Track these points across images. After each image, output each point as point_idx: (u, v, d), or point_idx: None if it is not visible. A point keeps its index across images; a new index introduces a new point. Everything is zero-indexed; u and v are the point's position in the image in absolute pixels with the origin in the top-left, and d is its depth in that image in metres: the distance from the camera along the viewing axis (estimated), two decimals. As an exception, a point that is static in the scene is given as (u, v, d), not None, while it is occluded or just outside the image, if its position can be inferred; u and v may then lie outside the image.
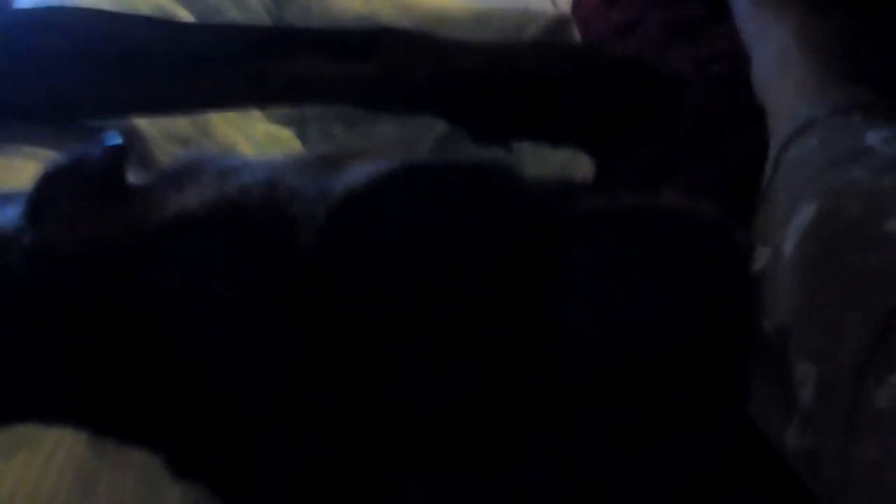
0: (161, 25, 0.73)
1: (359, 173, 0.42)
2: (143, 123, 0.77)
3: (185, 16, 0.93)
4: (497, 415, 0.40)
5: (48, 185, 0.45)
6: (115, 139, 0.47)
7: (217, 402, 0.42)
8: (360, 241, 0.41)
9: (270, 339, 0.42)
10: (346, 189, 0.41)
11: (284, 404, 0.42)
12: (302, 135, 1.02)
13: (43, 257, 0.43)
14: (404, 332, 0.41)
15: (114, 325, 0.43)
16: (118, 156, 0.46)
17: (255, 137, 0.93)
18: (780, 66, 0.62)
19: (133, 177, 0.66)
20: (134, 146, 0.73)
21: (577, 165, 0.90)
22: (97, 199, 0.45)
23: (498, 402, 0.40)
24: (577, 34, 1.02)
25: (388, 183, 0.41)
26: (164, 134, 0.79)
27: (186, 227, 0.43)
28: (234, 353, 0.42)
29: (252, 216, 0.42)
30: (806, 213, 0.49)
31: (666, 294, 0.40)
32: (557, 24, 0.99)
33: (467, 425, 0.41)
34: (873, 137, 0.51)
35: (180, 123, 0.81)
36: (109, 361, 0.43)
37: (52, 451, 0.46)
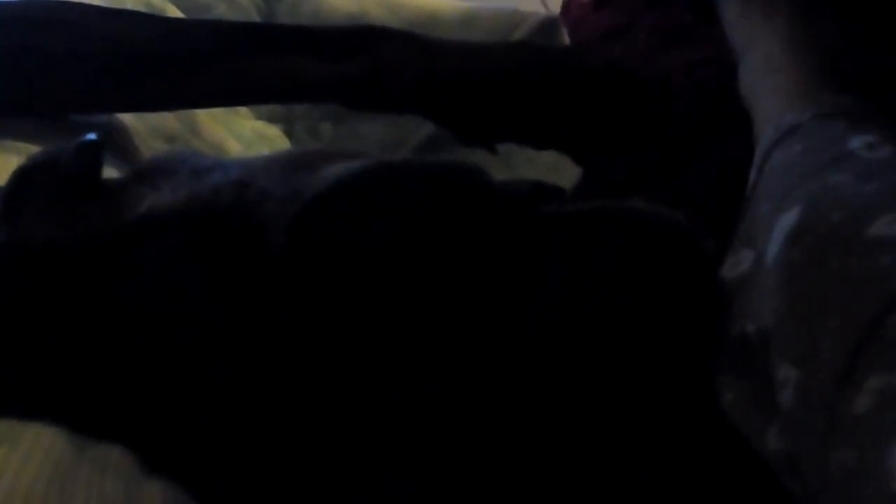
0: (149, 21, 0.73)
1: (326, 175, 0.42)
2: (129, 120, 0.77)
3: (174, 12, 0.93)
4: (470, 413, 0.41)
5: (22, 181, 0.45)
6: (90, 136, 0.47)
7: (186, 399, 0.42)
8: (327, 242, 0.41)
9: (238, 337, 0.42)
10: (313, 191, 0.41)
11: (253, 402, 0.42)
12: (290, 132, 1.02)
13: (16, 253, 0.43)
14: (373, 331, 0.41)
15: (86, 321, 0.43)
16: (92, 153, 0.46)
17: (242, 134, 0.93)
18: (765, 72, 0.62)
19: (117, 172, 0.66)
20: (117, 142, 0.73)
21: (566, 167, 0.90)
22: (71, 196, 0.45)
23: (470, 400, 0.41)
24: (565, 37, 1.02)
25: (354, 185, 0.41)
26: (150, 130, 0.78)
27: (157, 226, 0.43)
28: (201, 352, 0.42)
29: (223, 216, 0.42)
30: (789, 218, 0.49)
31: (630, 294, 0.41)
32: (546, 27, 0.99)
33: (439, 424, 0.41)
34: (856, 142, 0.51)
35: (167, 120, 0.80)
36: (82, 357, 0.43)
37: (30, 448, 0.46)
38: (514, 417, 0.41)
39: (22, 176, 0.45)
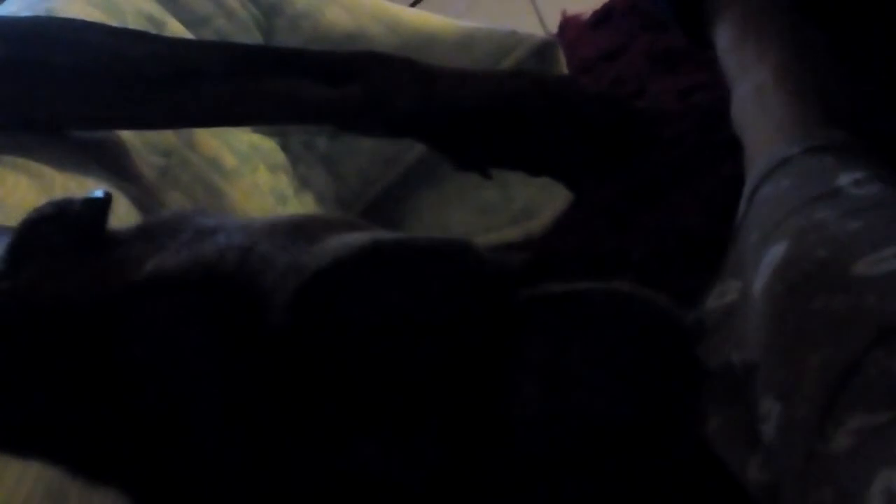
0: (151, 41, 0.73)
1: (325, 250, 0.43)
2: (126, 134, 0.77)
3: (173, 24, 0.93)
4: (450, 491, 0.41)
5: (29, 232, 0.46)
6: (98, 193, 0.48)
7: (180, 459, 0.43)
8: (323, 320, 0.42)
9: (233, 405, 0.42)
10: (312, 269, 0.42)
11: (244, 469, 0.42)
12: (285, 146, 1.02)
13: (19, 306, 0.44)
14: (363, 409, 0.41)
15: (84, 376, 0.43)
16: (100, 208, 0.47)
17: (238, 148, 0.93)
18: (757, 104, 0.63)
19: (114, 188, 0.67)
20: (113, 158, 0.73)
21: (559, 187, 0.91)
22: (77, 250, 0.45)
23: (451, 479, 0.41)
24: (563, 58, 1.02)
25: (352, 264, 0.42)
26: (147, 145, 0.79)
27: (160, 288, 0.43)
28: (197, 416, 0.43)
29: (225, 282, 0.43)
30: (776, 252, 0.49)
31: (612, 379, 0.41)
32: (544, 48, 1.00)
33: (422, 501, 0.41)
34: (844, 178, 0.52)
35: (163, 134, 0.81)
36: (80, 408, 0.44)
37: (24, 466, 0.47)
38: (496, 498, 0.41)
39: (29, 227, 0.46)
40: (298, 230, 0.45)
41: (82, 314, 0.44)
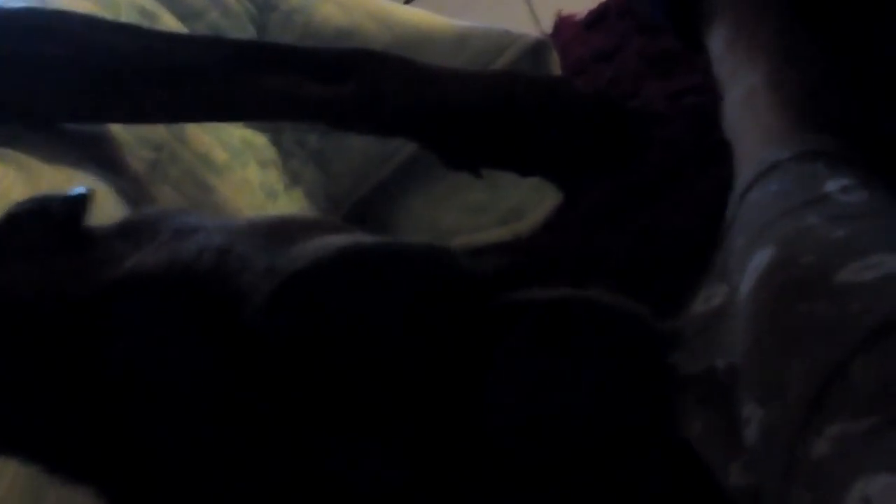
0: (146, 35, 0.73)
1: (303, 253, 0.43)
2: (116, 128, 0.77)
3: (167, 18, 0.93)
4: (426, 496, 0.41)
5: (9, 227, 0.46)
6: (79, 190, 0.48)
7: (157, 458, 0.43)
8: (299, 323, 0.42)
9: (210, 405, 0.42)
10: (289, 271, 0.42)
11: (219, 467, 0.42)
12: (277, 142, 1.02)
13: None
14: (338, 413, 0.41)
15: (62, 373, 0.44)
16: (80, 205, 0.47)
17: (229, 143, 0.93)
18: (748, 109, 0.63)
19: (104, 183, 0.67)
20: (104, 152, 0.73)
21: (549, 187, 0.91)
22: (56, 247, 0.46)
23: (428, 484, 0.41)
24: (556, 58, 1.03)
25: (330, 268, 0.42)
26: (137, 139, 0.79)
27: (138, 287, 0.43)
28: (173, 415, 0.43)
29: (202, 282, 0.43)
30: (762, 257, 0.50)
31: (585, 388, 0.41)
32: (537, 48, 1.00)
33: None
34: (832, 185, 0.52)
35: (154, 129, 0.81)
36: (56, 407, 0.44)
37: (3, 462, 0.47)
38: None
39: (8, 223, 0.46)
40: (277, 232, 0.45)
41: (60, 311, 0.44)
